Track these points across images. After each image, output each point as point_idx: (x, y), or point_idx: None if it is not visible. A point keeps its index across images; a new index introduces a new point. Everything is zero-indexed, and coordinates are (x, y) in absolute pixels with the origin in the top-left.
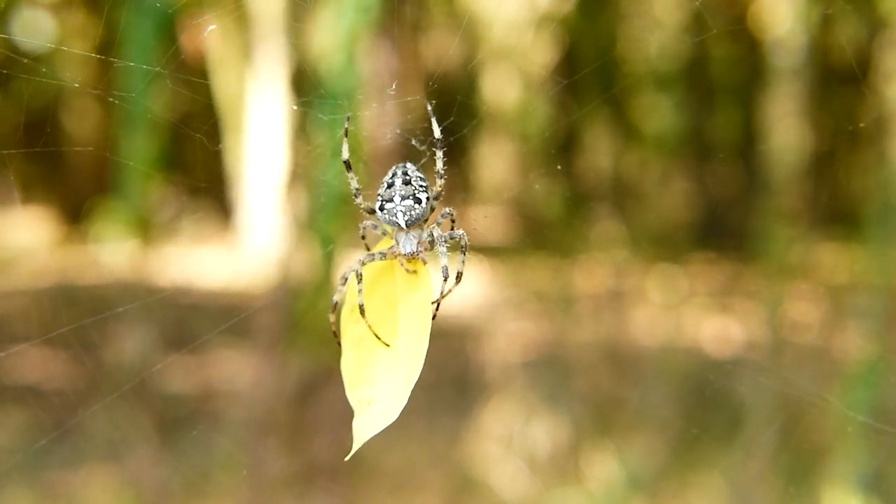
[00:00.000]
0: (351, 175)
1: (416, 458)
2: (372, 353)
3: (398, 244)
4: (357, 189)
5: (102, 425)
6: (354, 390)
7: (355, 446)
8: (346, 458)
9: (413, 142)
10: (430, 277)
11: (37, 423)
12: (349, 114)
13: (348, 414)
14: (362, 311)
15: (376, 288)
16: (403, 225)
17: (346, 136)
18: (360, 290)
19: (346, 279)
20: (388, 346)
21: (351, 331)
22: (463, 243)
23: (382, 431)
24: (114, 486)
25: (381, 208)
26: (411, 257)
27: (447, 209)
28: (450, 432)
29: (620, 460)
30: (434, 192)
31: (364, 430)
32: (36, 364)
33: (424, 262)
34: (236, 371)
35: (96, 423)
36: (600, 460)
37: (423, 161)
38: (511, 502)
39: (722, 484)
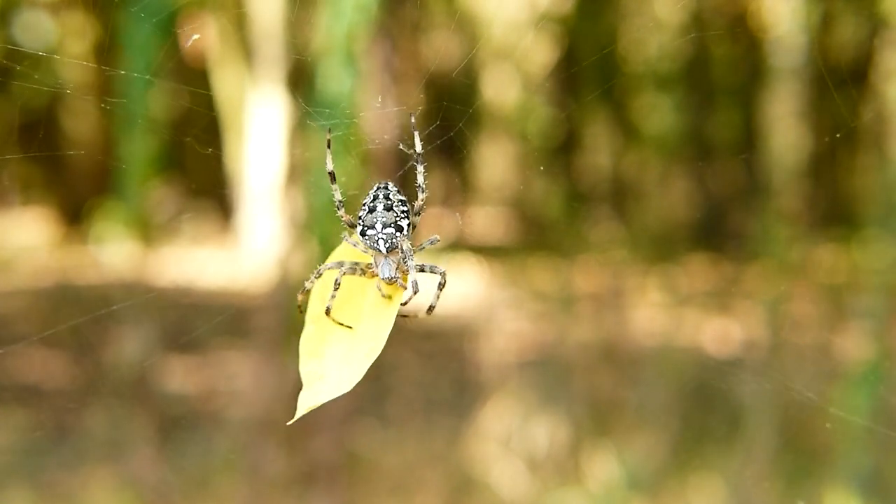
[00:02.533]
0: (334, 187)
1: (415, 458)
2: (333, 331)
3: (377, 267)
4: (340, 201)
5: (102, 425)
6: (307, 363)
7: (297, 415)
8: (289, 423)
9: (400, 146)
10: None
11: (37, 423)
12: (330, 125)
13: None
14: (328, 312)
15: (348, 281)
16: (384, 251)
17: (329, 147)
18: (332, 296)
19: (321, 274)
20: (350, 328)
21: (316, 307)
22: (442, 281)
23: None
24: (114, 486)
25: (363, 234)
26: (390, 282)
27: (435, 237)
28: (449, 432)
29: (620, 460)
30: (416, 208)
31: (308, 400)
32: (36, 364)
33: (403, 287)
34: (236, 371)
35: (96, 422)
36: (600, 460)
37: (410, 165)
38: (510, 502)
39: (722, 484)
